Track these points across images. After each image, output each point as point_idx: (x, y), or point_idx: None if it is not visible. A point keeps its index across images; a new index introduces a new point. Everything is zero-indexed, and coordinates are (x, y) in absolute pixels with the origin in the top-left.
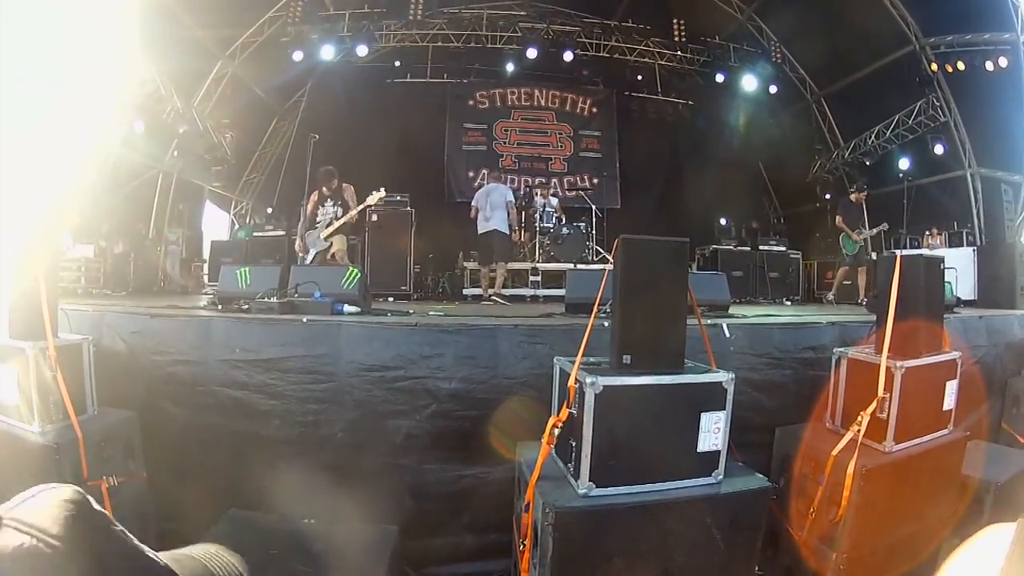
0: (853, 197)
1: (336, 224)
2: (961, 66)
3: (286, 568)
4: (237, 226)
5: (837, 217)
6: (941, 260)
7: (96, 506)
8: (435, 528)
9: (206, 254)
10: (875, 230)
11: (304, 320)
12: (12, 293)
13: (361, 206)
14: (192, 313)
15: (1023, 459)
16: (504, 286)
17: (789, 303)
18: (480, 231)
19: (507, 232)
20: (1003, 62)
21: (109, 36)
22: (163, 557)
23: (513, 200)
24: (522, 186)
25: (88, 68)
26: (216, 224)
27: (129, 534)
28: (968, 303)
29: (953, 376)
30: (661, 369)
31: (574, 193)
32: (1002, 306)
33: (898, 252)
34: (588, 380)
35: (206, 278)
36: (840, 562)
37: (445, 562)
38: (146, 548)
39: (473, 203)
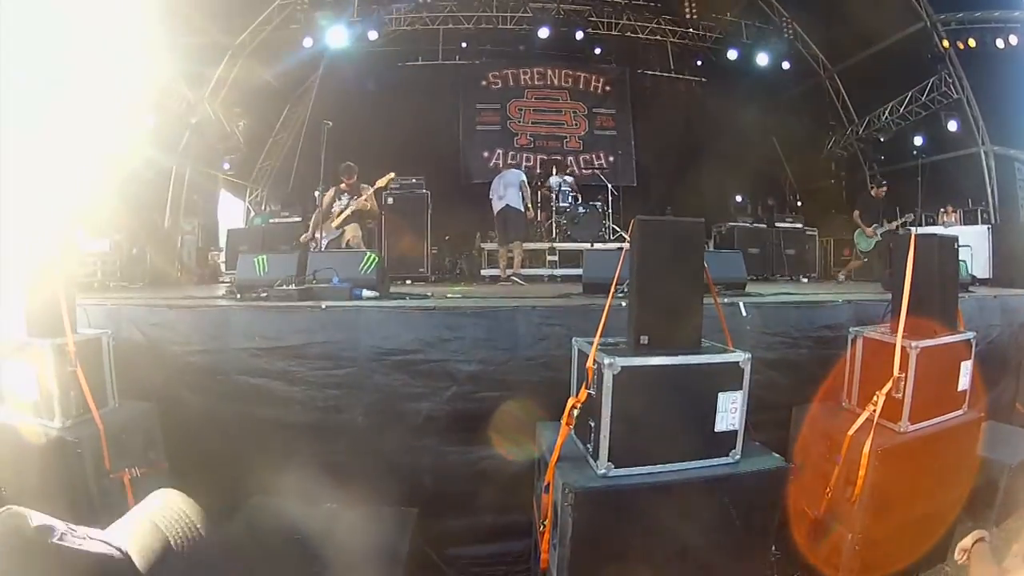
0: (874, 192)
1: (349, 210)
2: (972, 43)
3: (308, 553)
4: (253, 213)
5: (855, 212)
6: (955, 240)
7: (35, 522)
8: (455, 509)
9: (222, 242)
10: (895, 224)
11: (323, 306)
12: (30, 291)
13: (371, 189)
14: (210, 303)
15: None
16: (522, 266)
17: (806, 280)
18: (495, 211)
19: (520, 209)
20: (1013, 40)
21: (118, 32)
22: (117, 533)
23: (526, 180)
24: (538, 164)
25: (96, 65)
26: (232, 212)
27: (86, 537)
28: (983, 281)
29: (968, 356)
30: (678, 349)
31: (590, 171)
32: (1017, 285)
33: (912, 230)
34: (606, 361)
35: (223, 266)
36: (855, 542)
37: (465, 543)
38: (96, 539)
39: (491, 192)
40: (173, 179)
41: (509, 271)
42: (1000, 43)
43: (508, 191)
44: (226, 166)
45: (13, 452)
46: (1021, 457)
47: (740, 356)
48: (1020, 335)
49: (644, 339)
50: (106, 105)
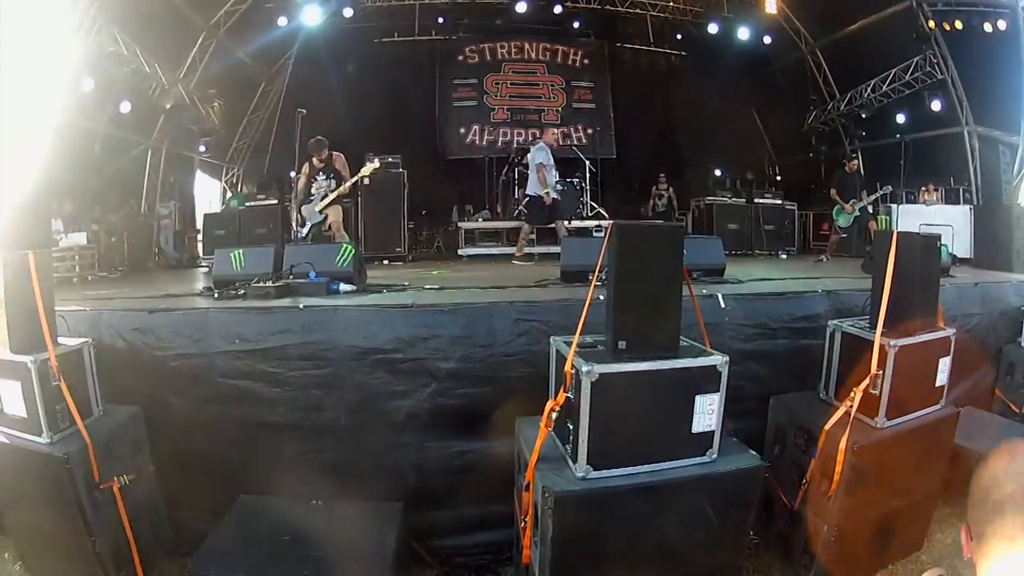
0: (847, 168)
1: (331, 196)
2: (959, 25)
3: (298, 551)
4: (229, 194)
5: (832, 190)
6: (938, 238)
7: None
8: (438, 502)
9: (199, 223)
10: (873, 196)
11: (301, 306)
12: (9, 306)
13: (355, 178)
14: (190, 305)
15: (1015, 431)
16: (507, 243)
17: (784, 256)
18: None
19: (535, 195)
20: (1002, 25)
21: (87, 17)
22: None
23: (543, 161)
24: (514, 139)
25: (63, 53)
26: (208, 192)
27: None
28: (964, 261)
29: (947, 353)
30: (656, 354)
31: (567, 145)
32: (999, 267)
33: (893, 207)
34: (584, 368)
35: (200, 249)
36: (831, 533)
37: (449, 534)
38: None
39: None
40: (148, 164)
41: (517, 254)
42: (988, 27)
43: (530, 176)
44: (202, 148)
45: (6, 470)
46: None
47: (718, 359)
48: (999, 323)
49: (622, 344)
50: (77, 93)
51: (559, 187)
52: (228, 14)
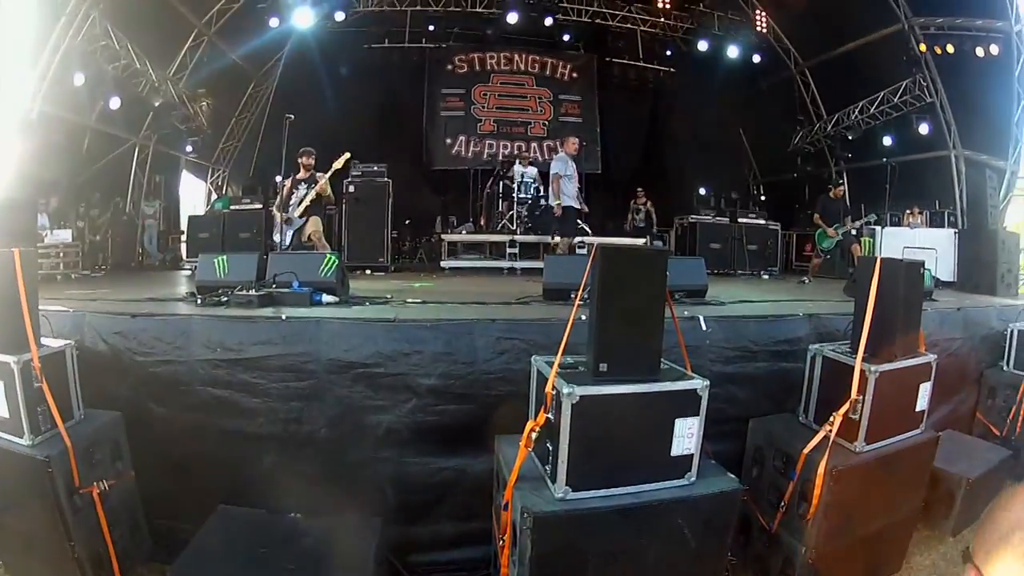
0: (832, 193)
1: (306, 201)
2: (951, 49)
3: (276, 564)
4: (214, 196)
5: (815, 214)
6: (921, 264)
7: None
8: (417, 517)
9: (183, 224)
10: (859, 223)
11: (283, 317)
12: None
13: (327, 175)
14: (172, 311)
15: (995, 454)
16: (483, 258)
17: (767, 276)
18: None
19: (552, 203)
20: (995, 50)
21: (79, 9)
22: None
23: (558, 171)
24: (500, 151)
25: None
26: (193, 194)
27: None
28: (947, 284)
29: (927, 378)
30: (637, 377)
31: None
32: (982, 291)
33: (877, 229)
34: (565, 390)
35: (184, 251)
36: (809, 556)
37: (426, 550)
38: None
39: None
40: (135, 161)
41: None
42: (980, 52)
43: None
44: (188, 148)
45: None
46: (979, 471)
47: (698, 383)
48: (981, 347)
49: (603, 367)
50: (67, 86)
51: (543, 202)
52: (220, 12)
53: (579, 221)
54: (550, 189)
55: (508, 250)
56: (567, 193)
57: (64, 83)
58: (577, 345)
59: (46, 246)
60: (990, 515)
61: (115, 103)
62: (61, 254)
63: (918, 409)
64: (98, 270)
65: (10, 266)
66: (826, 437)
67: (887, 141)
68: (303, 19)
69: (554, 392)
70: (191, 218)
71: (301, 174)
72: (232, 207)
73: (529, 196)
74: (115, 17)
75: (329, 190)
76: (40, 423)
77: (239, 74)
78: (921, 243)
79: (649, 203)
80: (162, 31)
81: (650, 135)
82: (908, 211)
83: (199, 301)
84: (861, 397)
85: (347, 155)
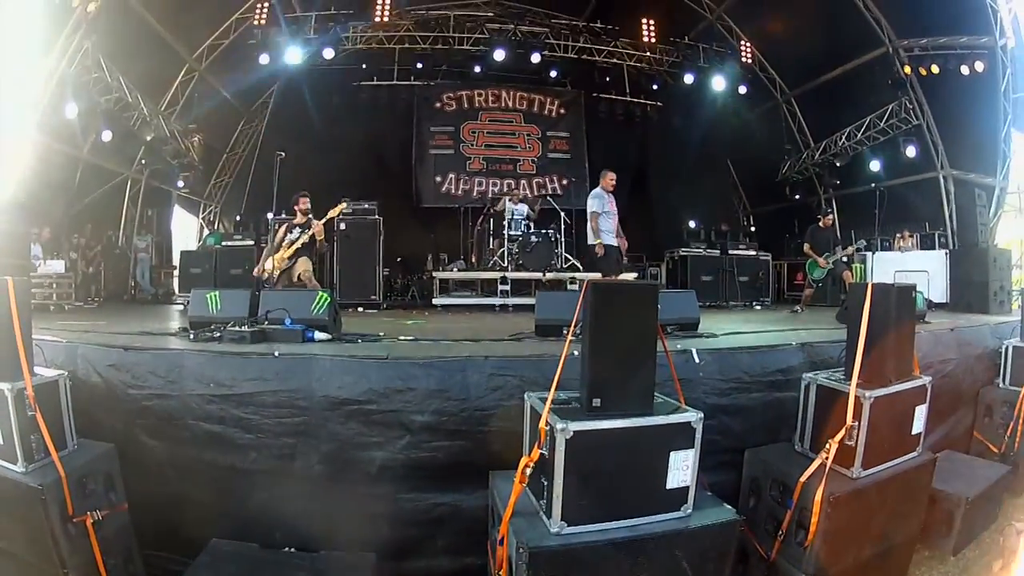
0: (821, 223)
1: (298, 244)
2: (935, 69)
3: None
4: (206, 232)
5: (805, 244)
6: (912, 287)
7: None
8: (412, 553)
9: (176, 259)
10: (848, 250)
11: (276, 354)
12: None
13: (321, 223)
14: (165, 345)
15: (993, 471)
16: (476, 295)
17: (759, 307)
18: None
19: (592, 243)
20: (979, 66)
21: (72, 40)
22: None
23: (595, 209)
24: (489, 189)
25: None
26: (185, 229)
27: None
28: (940, 306)
29: (923, 401)
30: (631, 411)
31: (543, 195)
32: (975, 310)
33: (868, 255)
34: (559, 426)
35: (176, 286)
36: None
37: None
38: None
39: None
40: (127, 195)
41: None
42: (965, 70)
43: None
44: (180, 184)
45: None
46: (977, 489)
47: (692, 416)
48: (976, 366)
49: (597, 401)
50: (61, 117)
51: (534, 239)
52: (211, 48)
53: (569, 256)
54: (588, 227)
55: (500, 287)
56: (606, 230)
57: (57, 113)
58: (570, 380)
59: (39, 276)
60: None
61: (107, 136)
62: (54, 285)
63: (914, 432)
64: (91, 302)
65: (3, 294)
66: (822, 465)
67: (875, 166)
68: (292, 56)
69: (548, 428)
70: (183, 253)
71: (298, 219)
72: (224, 243)
73: (520, 233)
74: (108, 49)
75: (323, 235)
76: (33, 451)
77: (230, 110)
78: (912, 266)
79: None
80: (154, 65)
81: (639, 169)
82: (898, 235)
83: (192, 336)
84: (856, 423)
85: (343, 205)
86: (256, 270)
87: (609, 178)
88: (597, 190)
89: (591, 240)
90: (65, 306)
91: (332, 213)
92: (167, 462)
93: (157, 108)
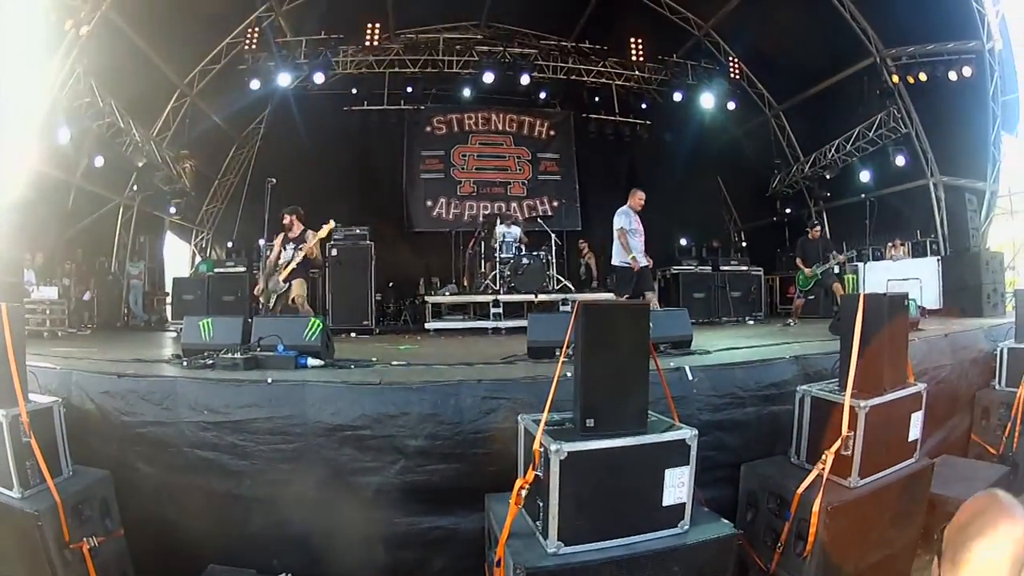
0: (810, 235)
1: (293, 264)
2: (923, 76)
3: None
4: (198, 258)
5: (797, 259)
6: (905, 296)
7: None
8: None
9: (168, 285)
10: (833, 262)
11: (269, 380)
12: None
13: (315, 239)
14: (158, 372)
15: (992, 473)
16: (468, 318)
17: (752, 322)
18: None
19: (619, 264)
20: (967, 71)
21: (65, 64)
22: None
23: (623, 226)
24: (480, 212)
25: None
26: (177, 255)
27: None
28: (933, 312)
29: (918, 408)
30: (624, 431)
31: (533, 217)
32: (968, 314)
33: (859, 265)
34: (553, 447)
35: (169, 313)
36: None
37: None
38: None
39: None
40: (120, 222)
41: None
42: (953, 75)
43: (614, 243)
44: (172, 210)
45: None
46: (977, 491)
47: (686, 433)
48: (971, 370)
49: (590, 422)
50: (53, 142)
51: (525, 261)
52: (202, 73)
53: (560, 278)
54: (615, 245)
55: (492, 310)
56: (636, 248)
57: (49, 138)
58: (564, 402)
59: (32, 302)
60: (955, 522)
61: (99, 161)
62: (47, 311)
63: (911, 439)
64: (84, 328)
65: None
66: (819, 476)
67: (865, 176)
68: (283, 81)
69: (542, 449)
70: (176, 280)
71: (293, 232)
72: (216, 270)
73: (511, 255)
74: (99, 74)
75: (317, 251)
76: (29, 477)
77: (221, 136)
78: (905, 274)
79: (591, 256)
80: (145, 90)
81: (629, 188)
82: (890, 244)
83: (185, 363)
84: (852, 433)
85: (332, 224)
86: (256, 290)
87: (638, 197)
88: (624, 208)
89: (619, 258)
90: (58, 332)
91: (321, 233)
92: (162, 488)
93: (149, 134)
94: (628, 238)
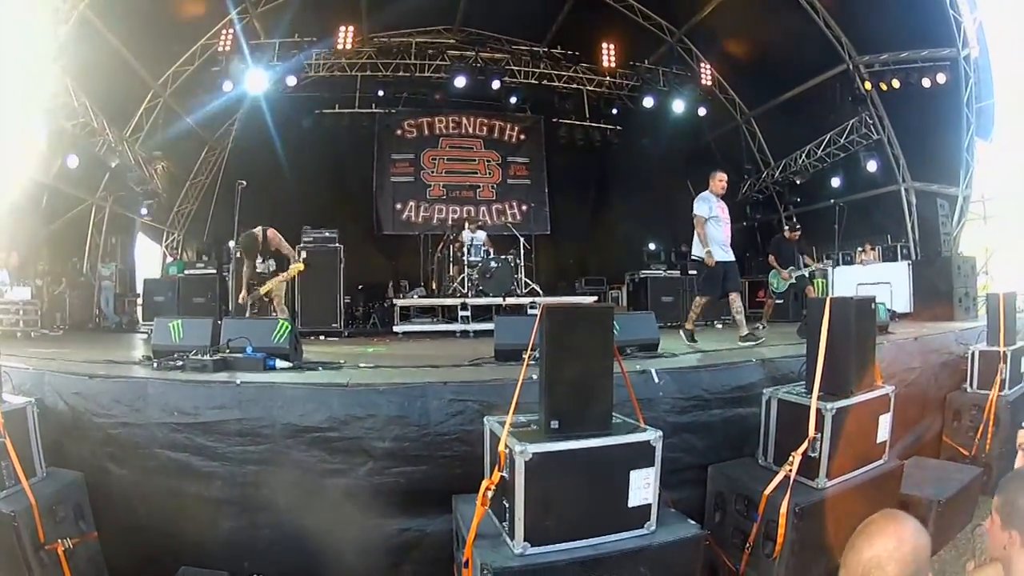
0: (787, 235)
1: (268, 284)
2: (896, 84)
3: None
4: (170, 259)
5: (769, 256)
6: (872, 299)
7: None
8: None
9: (139, 287)
10: (808, 269)
11: (238, 382)
12: None
13: (279, 279)
14: (129, 373)
15: (964, 474)
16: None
17: (720, 326)
18: None
19: (696, 258)
20: (941, 78)
21: (39, 68)
22: None
23: (702, 213)
24: (449, 216)
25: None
26: (148, 256)
27: None
28: (904, 315)
29: (886, 410)
30: (589, 432)
31: (502, 222)
32: (940, 318)
33: (830, 271)
34: (518, 448)
35: (140, 314)
36: None
37: None
38: None
39: None
40: (92, 222)
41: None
42: (927, 82)
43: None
44: (144, 211)
45: None
46: (950, 492)
47: (651, 435)
48: (941, 373)
49: (555, 423)
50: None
51: (493, 265)
52: (176, 74)
53: (528, 281)
54: (694, 238)
55: (460, 313)
56: (715, 239)
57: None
58: (530, 404)
59: (6, 302)
60: (850, 542)
61: (73, 162)
62: (21, 311)
63: (879, 440)
64: (56, 329)
65: None
66: (787, 477)
67: (835, 182)
68: (256, 84)
69: (507, 451)
70: (146, 281)
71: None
72: (187, 271)
73: (479, 259)
74: (74, 74)
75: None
76: (4, 478)
77: (194, 137)
78: (875, 279)
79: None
80: (119, 91)
81: (599, 193)
82: (860, 249)
83: (155, 365)
84: (819, 435)
85: (300, 266)
86: (240, 298)
87: (718, 179)
88: (704, 193)
89: (697, 250)
90: (32, 333)
91: (291, 272)
92: (134, 490)
93: (122, 134)
94: (707, 228)
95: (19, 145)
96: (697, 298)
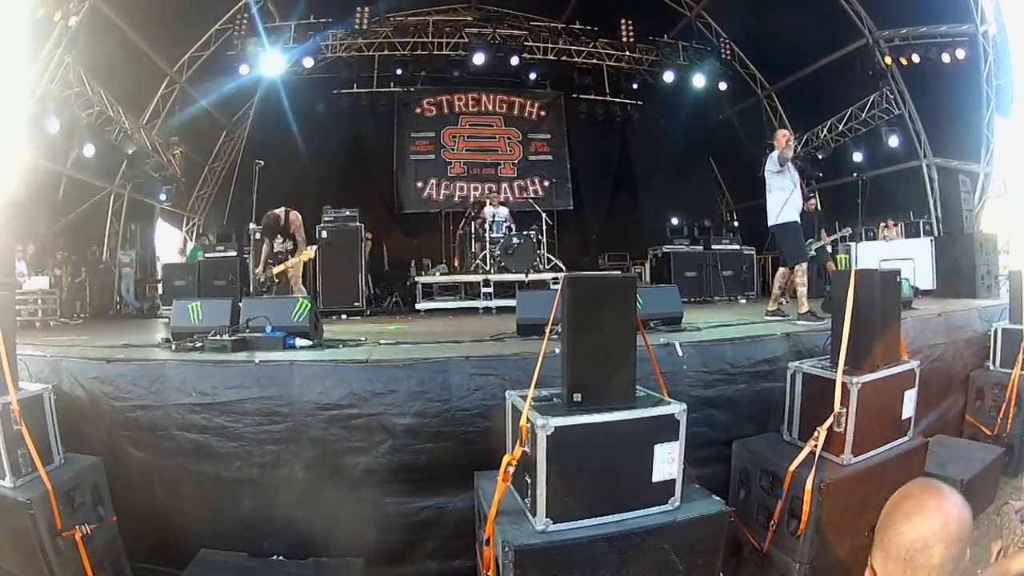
0: (806, 207)
1: (282, 266)
2: (916, 59)
3: None
4: (190, 244)
5: None
6: (897, 273)
7: None
8: (400, 557)
9: (160, 273)
10: (832, 238)
11: (256, 361)
12: None
13: (293, 260)
14: (147, 356)
15: (987, 454)
16: (459, 297)
17: (744, 301)
18: None
19: (780, 222)
20: (960, 54)
21: (53, 54)
22: None
23: (769, 167)
24: (471, 193)
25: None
26: (169, 242)
27: None
28: (927, 293)
29: (911, 385)
30: (612, 405)
31: (524, 199)
32: (963, 295)
33: (852, 245)
34: (539, 422)
35: (160, 300)
36: (802, 571)
37: None
38: None
39: None
40: (110, 210)
41: (773, 307)
42: (946, 58)
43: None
44: (162, 197)
45: None
46: (973, 471)
47: (675, 408)
48: (965, 351)
49: (577, 396)
50: (43, 132)
51: (516, 241)
52: (191, 60)
53: (551, 257)
54: (769, 204)
55: (483, 290)
56: (790, 203)
57: (39, 128)
58: (552, 378)
59: (24, 293)
60: (885, 520)
61: (89, 151)
62: (39, 301)
63: (904, 417)
64: (76, 318)
65: None
66: (812, 453)
67: (858, 157)
68: (272, 66)
69: (529, 425)
70: (167, 266)
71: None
72: (207, 255)
73: (501, 235)
74: (88, 63)
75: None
76: (21, 465)
77: (211, 122)
78: (897, 255)
79: None
80: (134, 78)
81: (620, 168)
82: (883, 224)
83: (174, 347)
84: (844, 409)
85: (311, 253)
86: (256, 271)
87: (781, 135)
88: (774, 153)
89: (775, 218)
90: (50, 322)
91: (306, 256)
92: (153, 473)
93: (139, 121)
94: (778, 181)
95: (25, 140)
96: (796, 268)
